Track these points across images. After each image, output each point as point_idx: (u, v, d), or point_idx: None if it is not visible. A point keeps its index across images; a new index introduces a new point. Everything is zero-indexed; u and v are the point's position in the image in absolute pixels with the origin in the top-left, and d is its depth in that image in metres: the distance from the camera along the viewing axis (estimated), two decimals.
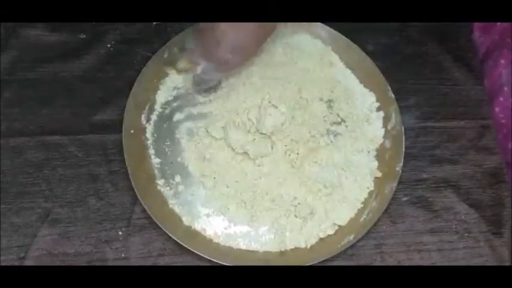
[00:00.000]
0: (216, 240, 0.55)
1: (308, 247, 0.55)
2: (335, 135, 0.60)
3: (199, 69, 0.56)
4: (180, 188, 0.57)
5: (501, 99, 0.65)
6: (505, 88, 0.64)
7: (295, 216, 0.56)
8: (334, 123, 0.61)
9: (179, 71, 0.61)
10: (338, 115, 0.62)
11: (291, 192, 0.57)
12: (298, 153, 0.58)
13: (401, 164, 0.58)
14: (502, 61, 0.66)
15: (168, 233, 0.53)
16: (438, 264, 0.56)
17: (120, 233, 0.55)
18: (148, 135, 0.60)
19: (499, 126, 0.65)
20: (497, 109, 0.65)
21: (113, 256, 0.54)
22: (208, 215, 0.56)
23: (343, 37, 0.64)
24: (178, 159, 0.59)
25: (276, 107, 0.58)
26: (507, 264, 0.56)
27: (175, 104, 0.61)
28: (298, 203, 0.57)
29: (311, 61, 0.65)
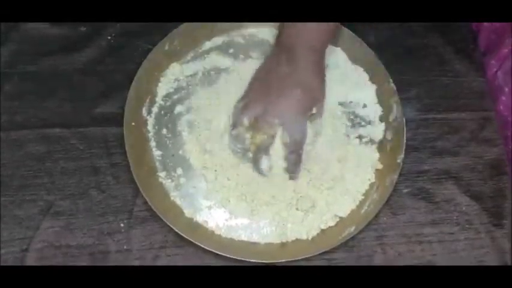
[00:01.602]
0: (217, 232, 0.55)
1: (309, 239, 0.55)
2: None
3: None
4: (182, 180, 0.57)
5: (503, 98, 0.64)
6: (506, 89, 0.64)
7: (297, 209, 0.56)
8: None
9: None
10: None
11: (292, 185, 0.57)
12: None
13: (403, 155, 0.58)
14: (493, 61, 0.65)
15: (170, 225, 0.53)
16: (439, 255, 0.56)
17: (122, 225, 0.55)
18: (149, 127, 0.60)
19: (505, 124, 0.64)
20: (501, 107, 0.65)
21: (115, 248, 0.54)
22: (209, 207, 0.56)
23: (345, 28, 0.63)
24: (180, 152, 0.59)
25: None
26: (508, 255, 0.57)
27: (176, 97, 0.61)
28: (300, 196, 0.57)
29: None
